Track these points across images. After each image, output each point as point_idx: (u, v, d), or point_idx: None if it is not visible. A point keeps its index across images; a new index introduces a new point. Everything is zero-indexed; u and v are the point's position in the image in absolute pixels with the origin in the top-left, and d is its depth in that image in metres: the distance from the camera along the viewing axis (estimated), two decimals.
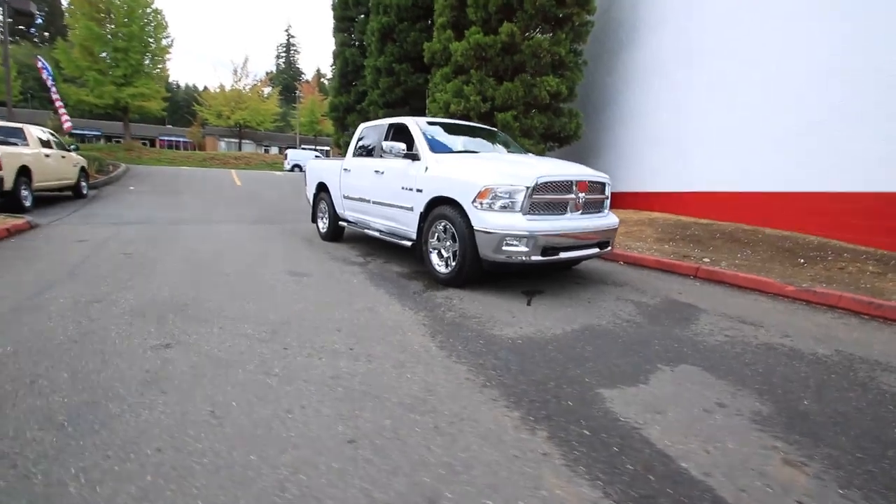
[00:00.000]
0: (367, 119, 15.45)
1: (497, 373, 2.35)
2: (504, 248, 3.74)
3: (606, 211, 4.49)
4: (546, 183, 3.83)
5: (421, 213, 4.49)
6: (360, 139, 6.00)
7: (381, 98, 13.04)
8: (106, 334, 2.61)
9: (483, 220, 3.80)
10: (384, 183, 5.11)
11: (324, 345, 2.62)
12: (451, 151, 4.78)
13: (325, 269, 4.78)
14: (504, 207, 3.79)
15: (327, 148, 44.27)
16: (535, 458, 1.63)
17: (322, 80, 53.58)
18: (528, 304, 3.71)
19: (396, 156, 4.69)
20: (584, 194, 4.10)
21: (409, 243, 4.76)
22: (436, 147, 4.71)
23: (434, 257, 4.39)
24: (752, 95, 7.28)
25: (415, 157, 4.66)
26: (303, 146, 39.91)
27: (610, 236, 4.36)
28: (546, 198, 3.87)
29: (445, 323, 3.14)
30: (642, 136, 9.98)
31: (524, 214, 3.79)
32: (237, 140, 40.08)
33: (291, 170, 27.83)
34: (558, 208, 4.00)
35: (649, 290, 4.30)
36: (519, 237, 3.71)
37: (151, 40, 23.48)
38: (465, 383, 2.22)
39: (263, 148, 42.09)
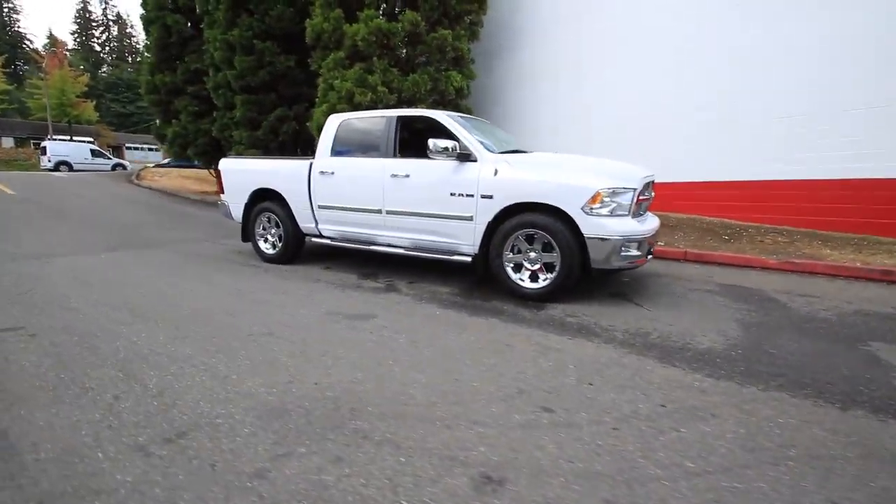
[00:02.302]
0: (212, 106, 12.54)
1: (814, 392, 2.23)
2: (623, 253, 3.55)
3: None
4: (646, 183, 3.79)
5: (489, 223, 3.89)
6: (338, 135, 4.80)
7: (237, 80, 10.71)
8: (353, 496, 1.43)
9: (599, 225, 3.52)
10: (412, 189, 4.23)
11: (647, 414, 2.02)
12: (505, 151, 4.24)
13: (364, 303, 3.72)
14: (613, 211, 3.59)
15: (90, 139, 34.39)
16: None
17: (66, 51, 41.34)
18: (648, 308, 3.64)
19: (449, 157, 3.92)
20: (653, 193, 4.21)
21: (466, 258, 4.08)
22: (486, 146, 4.12)
23: (511, 271, 3.88)
24: (616, 107, 8.65)
25: (467, 158, 3.98)
26: (52, 136, 29.96)
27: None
28: (643, 198, 3.83)
29: (641, 347, 2.80)
30: (522, 137, 10.82)
31: (633, 217, 3.68)
32: None
33: (55, 168, 20.59)
34: (640, 208, 4.00)
35: (685, 276, 4.72)
36: (635, 241, 3.59)
37: None
38: (845, 418, 2.02)
39: None
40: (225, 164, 5.66)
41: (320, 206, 4.86)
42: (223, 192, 5.70)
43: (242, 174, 5.48)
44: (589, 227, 3.54)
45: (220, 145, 12.65)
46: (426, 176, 4.19)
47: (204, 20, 11.31)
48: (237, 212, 5.56)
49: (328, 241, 4.98)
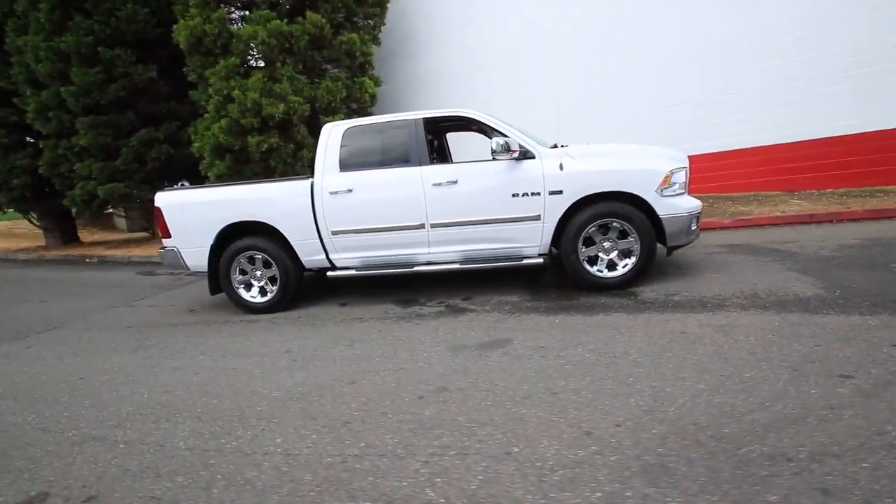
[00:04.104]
0: (28, 136, 9.46)
1: None
2: (692, 228, 3.79)
3: None
4: None
5: (559, 220, 3.75)
6: (344, 147, 4.06)
7: (78, 99, 8.35)
8: None
9: (672, 205, 3.68)
10: (463, 196, 3.84)
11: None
12: (550, 146, 4.10)
13: (462, 329, 3.26)
14: (676, 191, 3.79)
15: None
16: None
17: None
18: (715, 275, 3.94)
19: (511, 157, 3.65)
20: None
21: (537, 260, 3.86)
22: (538, 141, 3.94)
23: (587, 265, 3.82)
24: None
25: (524, 156, 3.76)
26: None
27: None
28: None
29: (777, 306, 3.00)
30: None
31: (687, 195, 3.94)
32: None
33: None
34: None
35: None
36: (696, 216, 3.85)
37: None
38: None
39: None
40: (166, 198, 4.29)
41: (335, 233, 4.06)
42: (167, 236, 4.34)
43: (202, 207, 4.24)
44: (665, 207, 3.67)
45: (49, 185, 9.72)
46: (478, 180, 3.84)
47: (7, 24, 8.49)
48: (197, 258, 4.30)
49: (346, 273, 4.19)
